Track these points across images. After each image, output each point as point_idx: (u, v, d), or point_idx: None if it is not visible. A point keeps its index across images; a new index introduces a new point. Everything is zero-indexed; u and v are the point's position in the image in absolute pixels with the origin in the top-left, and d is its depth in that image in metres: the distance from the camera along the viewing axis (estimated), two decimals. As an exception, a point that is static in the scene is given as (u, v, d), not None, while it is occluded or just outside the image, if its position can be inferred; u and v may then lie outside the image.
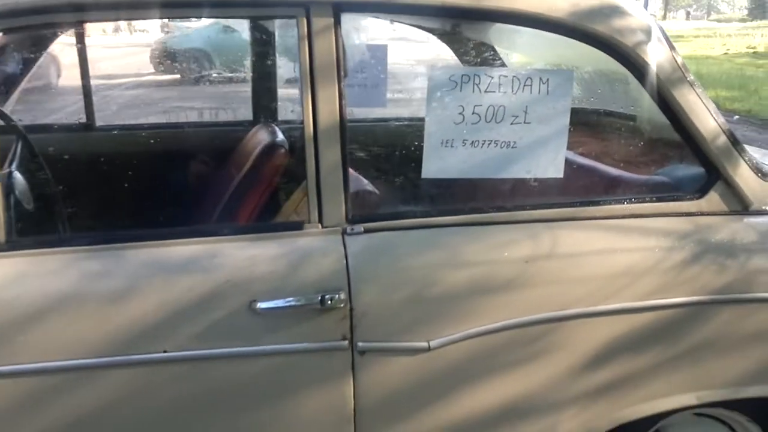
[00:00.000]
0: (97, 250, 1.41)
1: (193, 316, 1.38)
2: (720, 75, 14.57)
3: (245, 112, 2.65)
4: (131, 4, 1.44)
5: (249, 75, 2.65)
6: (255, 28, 2.49)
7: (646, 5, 29.70)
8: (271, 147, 2.09)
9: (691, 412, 1.79)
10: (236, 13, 1.62)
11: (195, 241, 1.46)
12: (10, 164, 1.73)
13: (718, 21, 55.48)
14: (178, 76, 14.36)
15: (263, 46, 2.57)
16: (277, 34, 2.52)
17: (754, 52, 21.13)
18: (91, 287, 1.37)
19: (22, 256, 1.37)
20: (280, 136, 2.15)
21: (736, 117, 9.81)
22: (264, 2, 1.46)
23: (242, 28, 2.97)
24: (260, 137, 2.25)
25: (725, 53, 21.08)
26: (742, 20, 53.51)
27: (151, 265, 1.41)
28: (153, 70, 15.36)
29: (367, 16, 1.85)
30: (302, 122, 1.46)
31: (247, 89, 2.62)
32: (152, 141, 2.32)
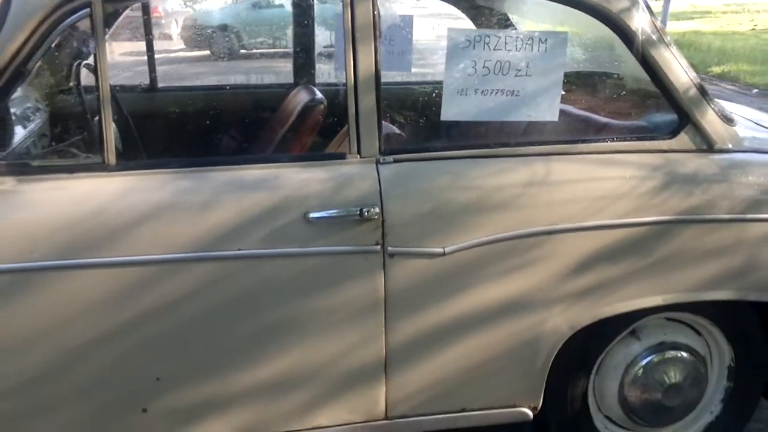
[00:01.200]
0: (187, 171, 1.81)
1: (260, 223, 1.78)
2: (744, 50, 14.62)
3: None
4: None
5: (280, 48, 3.04)
6: (296, 4, 2.88)
7: (674, -20, 29.44)
8: (312, 101, 2.49)
9: (662, 317, 2.16)
10: None
11: (261, 166, 1.85)
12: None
13: (750, -4, 54.42)
14: (207, 51, 14.71)
15: (302, 19, 2.96)
16: (315, 8, 2.91)
17: (783, 28, 21.03)
18: (183, 199, 1.77)
19: (130, 176, 1.78)
20: (319, 94, 2.55)
21: (755, 90, 9.99)
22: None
23: (279, 4, 3.32)
24: (301, 96, 2.65)
25: (753, 29, 20.98)
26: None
27: (229, 183, 1.80)
28: (183, 46, 15.70)
29: None
30: (345, 78, 1.85)
31: (272, 63, 3.02)
32: (221, 96, 2.76)
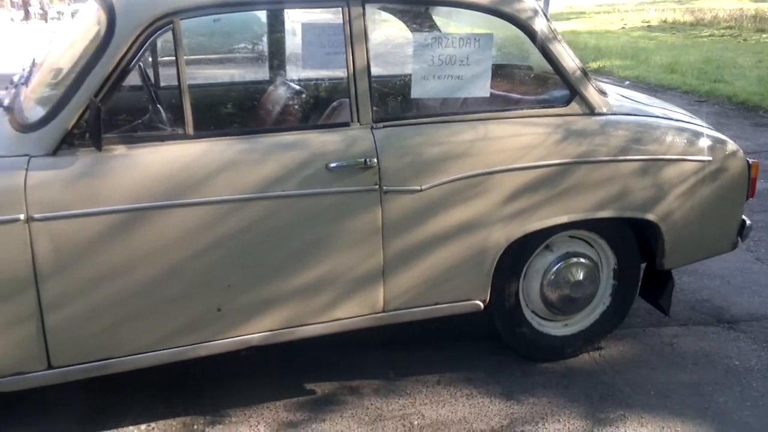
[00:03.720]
0: (243, 137, 2.57)
1: (296, 171, 2.55)
2: (617, 47, 16.24)
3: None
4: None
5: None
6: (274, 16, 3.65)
7: (551, -16, 31.43)
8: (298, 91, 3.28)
9: (566, 234, 3.07)
10: (314, 5, 2.78)
11: (293, 133, 2.64)
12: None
13: (619, -3, 58.04)
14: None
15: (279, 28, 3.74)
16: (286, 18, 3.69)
17: (648, 26, 23.09)
18: (242, 157, 2.52)
19: (201, 142, 2.51)
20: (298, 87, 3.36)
21: (627, 82, 11.37)
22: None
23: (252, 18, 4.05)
24: (286, 89, 3.43)
25: (622, 27, 22.95)
26: (641, -5, 56.20)
27: (273, 145, 2.57)
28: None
29: (383, 6, 3.06)
30: (348, 70, 2.64)
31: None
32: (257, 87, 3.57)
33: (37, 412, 2.80)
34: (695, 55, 14.52)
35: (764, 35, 18.84)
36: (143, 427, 2.73)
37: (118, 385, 2.89)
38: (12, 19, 39.91)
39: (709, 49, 15.71)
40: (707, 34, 20.01)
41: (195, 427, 2.72)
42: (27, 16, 40.28)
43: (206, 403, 2.85)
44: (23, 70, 3.14)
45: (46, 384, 2.48)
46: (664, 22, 23.61)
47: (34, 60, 3.08)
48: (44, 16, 41.33)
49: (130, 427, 2.72)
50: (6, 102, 2.75)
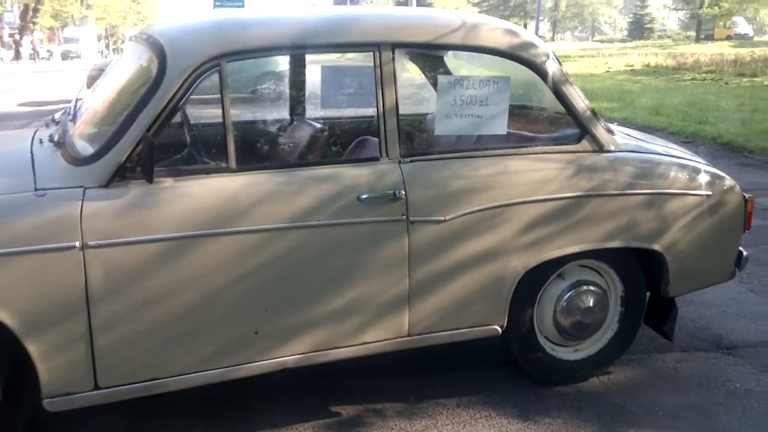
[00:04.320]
0: (281, 171, 2.76)
1: (330, 202, 2.73)
2: (603, 90, 16.70)
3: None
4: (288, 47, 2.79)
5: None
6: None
7: (537, 28, 32.26)
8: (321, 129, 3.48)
9: (577, 264, 3.26)
10: (350, 50, 3.00)
11: (327, 167, 2.83)
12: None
13: (601, 41, 59.49)
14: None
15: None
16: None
17: (631, 70, 23.71)
18: (281, 188, 2.70)
19: (242, 175, 2.69)
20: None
21: (615, 123, 11.69)
22: (359, 45, 2.86)
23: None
24: (308, 126, 3.63)
25: (607, 71, 23.55)
26: (623, 41, 57.70)
27: (308, 177, 2.76)
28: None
29: (411, 52, 3.27)
30: (377, 109, 2.84)
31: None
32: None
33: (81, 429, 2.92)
34: (679, 98, 14.97)
35: (744, 79, 19.43)
36: (179, 447, 2.85)
37: (152, 409, 3.02)
38: (2, 59, 40.24)
39: (692, 93, 16.20)
40: (689, 77, 20.61)
41: (230, 446, 2.85)
42: (17, 55, 40.61)
43: (240, 424, 2.98)
44: (67, 108, 3.32)
45: (92, 404, 2.61)
46: (647, 66, 24.26)
47: (77, 99, 3.26)
48: (34, 56, 41.70)
49: (167, 447, 2.85)
50: (56, 138, 2.92)
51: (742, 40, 50.81)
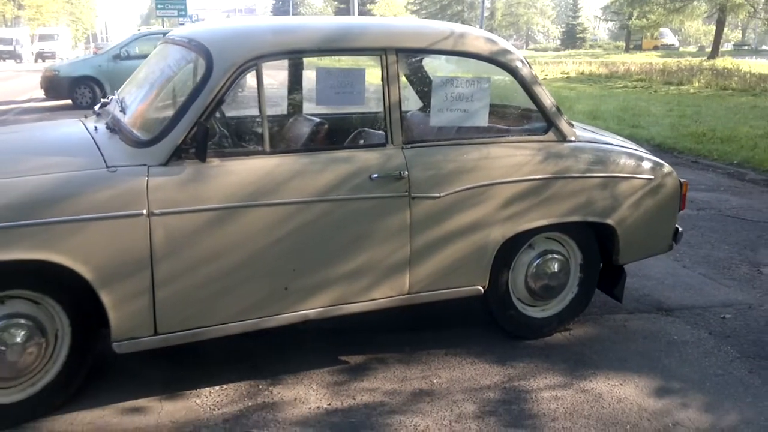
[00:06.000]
0: (306, 153, 3.30)
1: (347, 180, 3.28)
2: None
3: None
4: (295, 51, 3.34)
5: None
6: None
7: (476, 36, 33.12)
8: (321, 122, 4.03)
9: (544, 236, 3.88)
10: (361, 54, 3.56)
11: (344, 151, 3.39)
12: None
13: (536, 50, 61.34)
14: (69, 101, 15.28)
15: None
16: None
17: (567, 77, 24.83)
18: (307, 168, 3.24)
19: (275, 156, 3.22)
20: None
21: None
22: (370, 50, 3.42)
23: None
24: (305, 120, 4.17)
25: (544, 78, 24.57)
26: (556, 49, 59.64)
27: (329, 159, 3.30)
28: (44, 96, 16.12)
29: (413, 56, 3.85)
30: (384, 103, 3.41)
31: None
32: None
33: (129, 378, 3.39)
34: (613, 104, 15.97)
35: (671, 87, 20.69)
36: (216, 388, 3.36)
37: (198, 356, 3.52)
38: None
39: (624, 99, 17.25)
40: (621, 85, 21.79)
41: (260, 387, 3.37)
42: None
43: (266, 370, 3.51)
44: (103, 102, 3.79)
45: (151, 347, 3.10)
46: (582, 74, 25.45)
47: (116, 94, 3.73)
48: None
49: (206, 389, 3.35)
50: (111, 125, 3.40)
51: (669, 50, 53.24)
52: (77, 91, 14.83)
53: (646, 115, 14.05)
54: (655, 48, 54.20)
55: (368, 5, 55.56)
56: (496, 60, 3.69)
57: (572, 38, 65.82)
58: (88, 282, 2.92)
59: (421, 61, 4.18)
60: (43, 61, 41.18)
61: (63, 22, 69.15)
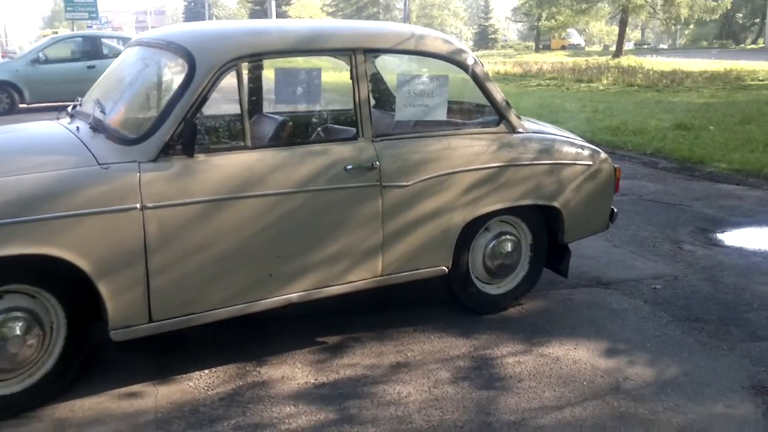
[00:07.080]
0: (285, 148, 3.53)
1: (323, 171, 3.53)
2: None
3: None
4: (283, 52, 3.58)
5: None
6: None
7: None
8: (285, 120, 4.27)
9: (498, 219, 4.24)
10: (332, 54, 3.80)
11: (319, 144, 3.64)
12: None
13: (449, 51, 62.34)
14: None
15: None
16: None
17: (484, 77, 25.54)
18: (285, 161, 3.47)
19: (259, 151, 3.45)
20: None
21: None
22: (340, 50, 3.69)
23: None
24: (270, 118, 4.40)
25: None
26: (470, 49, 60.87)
27: (306, 153, 3.55)
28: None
29: (381, 56, 4.12)
30: (354, 100, 3.67)
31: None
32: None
33: (119, 367, 3.55)
34: (530, 101, 16.66)
35: (582, 85, 21.66)
36: (206, 371, 3.55)
37: (183, 345, 3.71)
38: None
39: (540, 97, 18.01)
40: (535, 84, 22.65)
41: (247, 368, 3.59)
42: None
43: (249, 354, 3.72)
44: (76, 102, 3.92)
45: (146, 335, 3.28)
46: (497, 73, 26.25)
47: (88, 95, 3.87)
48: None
49: (196, 372, 3.54)
50: (93, 125, 3.53)
51: (575, 49, 55.25)
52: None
53: (562, 111, 14.76)
54: (563, 48, 56.21)
55: (283, 7, 55.42)
56: (453, 59, 4.02)
57: (484, 39, 67.52)
58: (86, 274, 3.08)
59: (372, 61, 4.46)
60: None
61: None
